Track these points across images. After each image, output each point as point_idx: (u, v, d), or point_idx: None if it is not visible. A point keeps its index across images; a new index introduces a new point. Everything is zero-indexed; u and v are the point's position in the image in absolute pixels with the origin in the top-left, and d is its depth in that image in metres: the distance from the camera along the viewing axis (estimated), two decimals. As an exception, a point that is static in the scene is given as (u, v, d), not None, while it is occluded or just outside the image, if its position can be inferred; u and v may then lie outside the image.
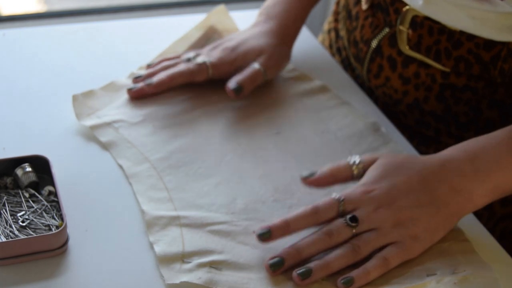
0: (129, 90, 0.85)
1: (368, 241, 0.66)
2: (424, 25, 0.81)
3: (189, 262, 0.65)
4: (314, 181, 0.72)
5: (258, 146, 0.80)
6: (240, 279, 0.64)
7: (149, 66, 0.89)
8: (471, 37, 0.78)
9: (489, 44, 0.77)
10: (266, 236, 0.66)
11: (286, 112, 0.86)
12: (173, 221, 0.69)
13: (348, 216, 0.67)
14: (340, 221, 0.67)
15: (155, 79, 0.84)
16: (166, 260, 0.65)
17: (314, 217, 0.67)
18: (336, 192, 0.69)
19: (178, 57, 0.89)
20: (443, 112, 0.84)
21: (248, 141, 0.81)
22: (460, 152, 0.71)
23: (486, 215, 0.78)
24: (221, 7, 0.99)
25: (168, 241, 0.67)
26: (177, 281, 0.63)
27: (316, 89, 0.90)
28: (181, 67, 0.85)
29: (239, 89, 0.83)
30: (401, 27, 0.83)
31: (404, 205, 0.68)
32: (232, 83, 0.84)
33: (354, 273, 0.65)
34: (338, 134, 0.83)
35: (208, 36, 0.96)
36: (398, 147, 0.82)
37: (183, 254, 0.66)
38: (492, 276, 0.66)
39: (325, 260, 0.65)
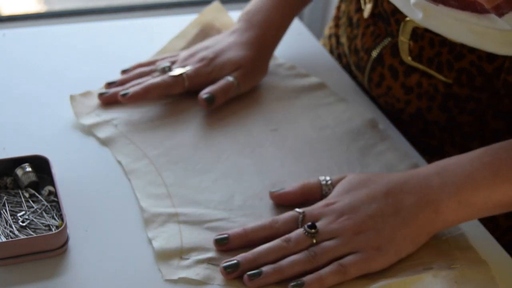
0: (100, 95, 0.83)
1: (326, 249, 0.64)
2: (425, 37, 0.80)
3: (187, 259, 0.65)
4: (282, 195, 0.71)
5: (256, 143, 0.80)
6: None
7: (124, 72, 0.87)
8: (472, 49, 0.77)
9: (492, 56, 0.76)
10: (223, 242, 0.66)
11: (283, 109, 0.86)
12: (172, 218, 0.69)
13: (307, 224, 0.65)
14: (299, 230, 0.66)
15: (131, 91, 0.82)
16: (165, 256, 0.65)
17: (273, 229, 0.66)
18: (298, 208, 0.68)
19: (153, 63, 0.87)
20: (447, 122, 0.83)
21: (246, 137, 0.81)
22: (428, 167, 0.69)
23: (491, 227, 0.77)
24: (216, 4, 0.99)
25: (167, 237, 0.67)
26: (175, 277, 0.64)
27: (314, 86, 0.90)
28: (157, 79, 0.83)
29: (211, 99, 0.82)
30: (402, 38, 0.82)
31: (366, 214, 0.65)
32: (204, 93, 0.83)
33: (306, 278, 0.63)
34: (336, 130, 0.83)
35: (206, 33, 0.96)
36: (395, 144, 0.82)
37: (182, 250, 0.66)
38: (489, 273, 0.66)
39: (279, 265, 0.63)
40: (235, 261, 0.64)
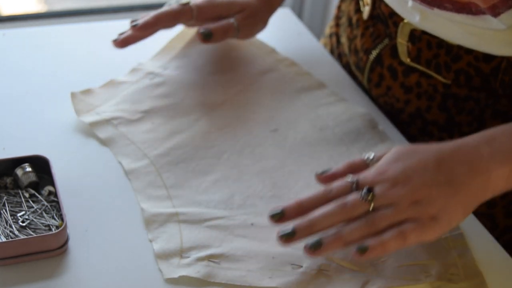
0: (115, 41, 0.86)
1: (384, 216, 0.64)
2: (422, 39, 0.80)
3: (188, 257, 0.65)
4: (330, 177, 0.69)
5: (256, 143, 0.80)
6: (238, 272, 0.65)
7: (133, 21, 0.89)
8: (469, 50, 0.77)
9: (489, 56, 0.76)
10: (278, 216, 0.65)
11: (284, 109, 0.86)
12: (172, 217, 0.69)
13: (365, 189, 0.64)
14: (355, 195, 0.64)
15: (141, 20, 0.85)
16: (165, 256, 0.65)
17: (328, 198, 0.65)
18: (350, 177, 0.66)
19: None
20: (446, 121, 0.83)
21: (246, 138, 0.81)
22: (476, 137, 0.69)
23: (489, 226, 0.78)
24: None
25: (167, 238, 0.67)
26: (176, 276, 0.64)
27: (314, 86, 0.90)
28: (165, 8, 0.86)
29: (208, 34, 0.85)
30: (400, 40, 0.83)
31: (420, 183, 0.65)
32: (203, 28, 0.85)
33: (369, 242, 0.62)
34: (336, 131, 0.83)
35: None
36: (395, 144, 0.82)
37: (182, 249, 0.66)
38: (484, 285, 0.66)
39: (339, 233, 0.63)
40: (290, 230, 0.64)
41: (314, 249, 0.63)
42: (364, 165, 0.69)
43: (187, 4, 0.86)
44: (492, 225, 0.82)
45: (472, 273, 0.67)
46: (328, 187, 0.66)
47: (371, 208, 0.64)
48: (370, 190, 0.64)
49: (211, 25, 0.86)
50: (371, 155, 0.69)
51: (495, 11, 0.68)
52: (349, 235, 0.63)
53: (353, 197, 0.64)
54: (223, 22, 0.87)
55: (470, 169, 0.66)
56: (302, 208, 0.65)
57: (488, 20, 0.70)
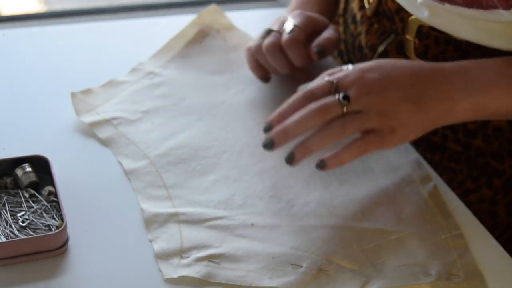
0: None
1: (352, 123, 0.69)
2: (430, 35, 0.80)
3: (188, 257, 0.65)
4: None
5: (256, 143, 0.80)
6: (238, 272, 0.65)
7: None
8: (477, 47, 0.77)
9: (496, 53, 0.76)
10: (267, 129, 0.71)
11: None
12: (172, 218, 0.69)
13: (342, 95, 0.69)
14: (331, 99, 0.69)
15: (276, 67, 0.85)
16: (165, 256, 0.65)
17: (307, 101, 0.70)
18: (328, 76, 0.72)
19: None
20: None
21: (246, 138, 0.81)
22: (454, 64, 0.72)
23: (490, 224, 0.77)
24: (213, 7, 0.99)
25: (167, 238, 0.67)
26: (176, 276, 0.63)
27: None
28: (275, 37, 0.84)
29: (322, 51, 0.84)
30: (407, 36, 0.83)
31: (392, 96, 0.69)
32: (315, 47, 0.84)
33: (326, 156, 0.70)
34: None
35: (205, 33, 0.96)
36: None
37: (182, 249, 0.66)
38: (484, 286, 0.66)
39: (305, 142, 0.70)
40: (269, 140, 0.70)
41: (289, 162, 0.70)
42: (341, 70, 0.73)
43: (296, 27, 0.83)
44: (494, 223, 0.82)
45: (472, 273, 0.67)
46: (308, 91, 0.71)
47: (345, 111, 0.69)
48: (347, 96, 0.69)
49: (321, 41, 0.83)
50: (350, 66, 0.73)
51: (508, 3, 0.68)
52: (315, 144, 0.69)
53: (329, 99, 0.69)
54: (330, 36, 0.84)
55: (440, 95, 0.70)
56: (284, 118, 0.71)
57: (499, 14, 0.71)
